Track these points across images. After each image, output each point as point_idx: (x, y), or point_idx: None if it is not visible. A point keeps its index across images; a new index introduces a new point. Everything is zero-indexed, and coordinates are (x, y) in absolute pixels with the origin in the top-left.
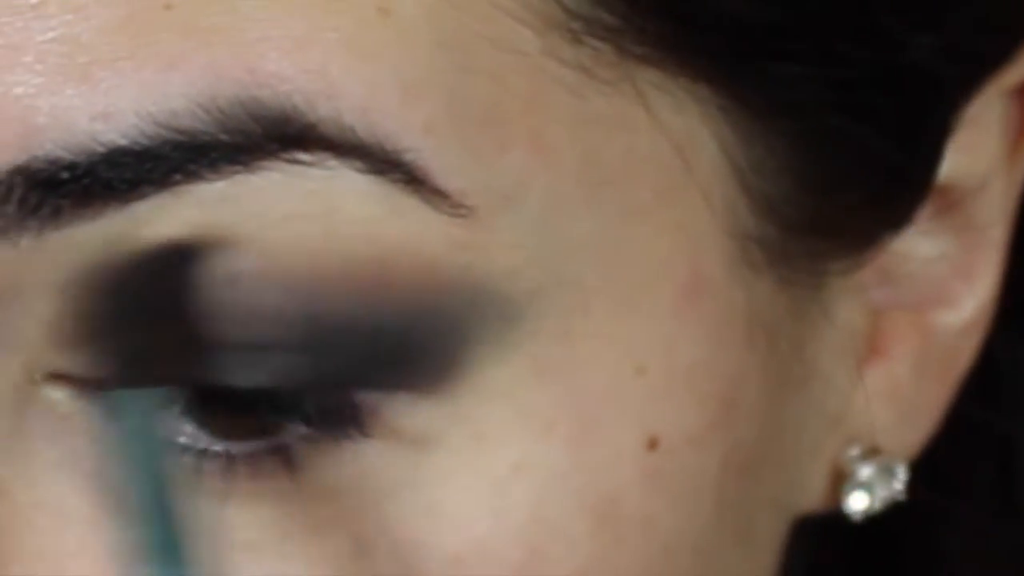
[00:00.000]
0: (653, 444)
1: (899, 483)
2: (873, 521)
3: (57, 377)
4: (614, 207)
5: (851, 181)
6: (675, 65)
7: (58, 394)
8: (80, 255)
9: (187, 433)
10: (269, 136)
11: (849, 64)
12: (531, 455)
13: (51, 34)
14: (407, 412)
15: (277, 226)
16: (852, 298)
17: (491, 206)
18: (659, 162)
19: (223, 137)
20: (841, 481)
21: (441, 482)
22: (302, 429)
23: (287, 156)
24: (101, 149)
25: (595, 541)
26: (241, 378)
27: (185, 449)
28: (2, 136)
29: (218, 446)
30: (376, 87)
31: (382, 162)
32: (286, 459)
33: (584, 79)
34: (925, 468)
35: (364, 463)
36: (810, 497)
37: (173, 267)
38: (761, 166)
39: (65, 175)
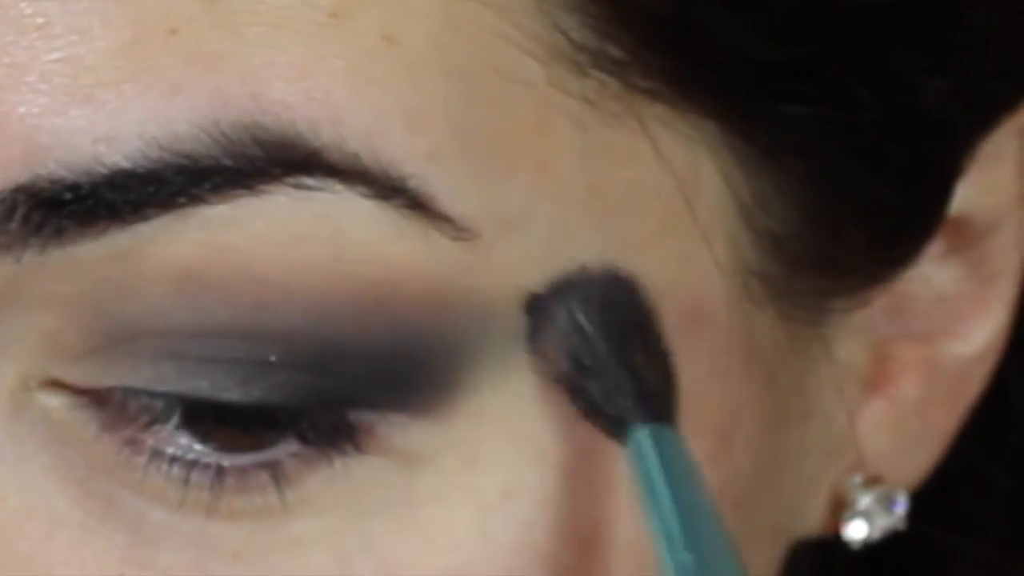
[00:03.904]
0: None
1: (899, 512)
2: (885, 555)
3: (53, 384)
4: (617, 237)
5: (856, 221)
6: (682, 101)
7: (53, 401)
8: (83, 270)
9: (179, 444)
10: (273, 161)
11: (859, 107)
12: (522, 480)
13: (56, 55)
14: (401, 432)
15: (287, 248)
16: (856, 334)
17: (495, 231)
18: (663, 194)
19: (226, 161)
20: (841, 509)
21: (430, 502)
22: (295, 446)
23: (292, 180)
24: (104, 171)
25: (582, 569)
26: (240, 393)
27: (174, 459)
28: (6, 154)
29: (209, 458)
30: (381, 115)
31: (386, 188)
32: (276, 474)
33: (589, 111)
34: (935, 501)
35: (354, 480)
36: (808, 524)
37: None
38: (766, 203)
39: (68, 195)
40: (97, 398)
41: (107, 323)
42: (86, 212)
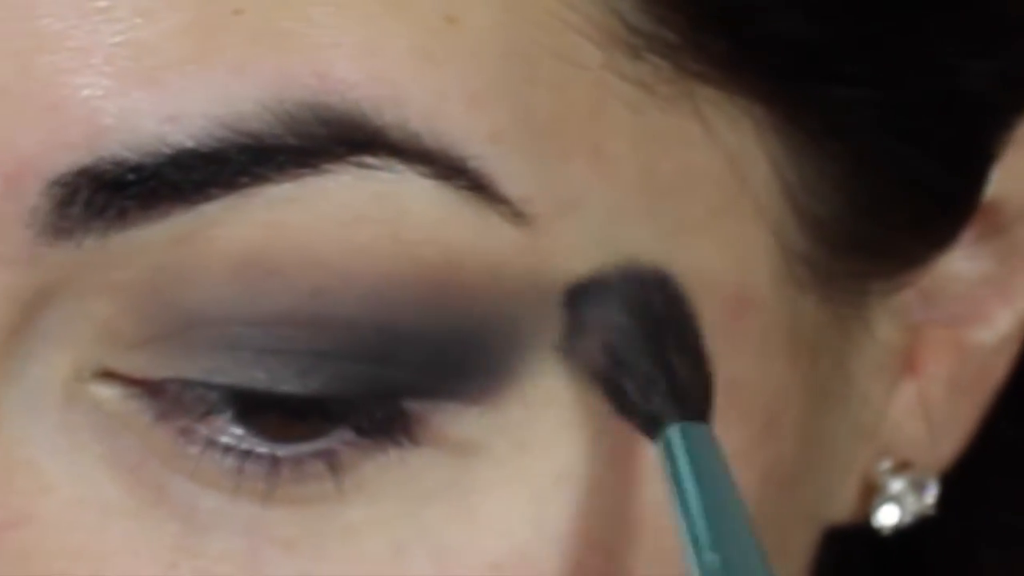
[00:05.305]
0: None
1: (930, 497)
2: (904, 535)
3: (106, 375)
4: (669, 221)
5: (899, 202)
6: (732, 84)
7: (106, 392)
8: (145, 255)
9: (234, 435)
10: (336, 140)
11: (904, 88)
12: (574, 466)
13: (119, 37)
14: (455, 420)
15: (349, 228)
16: (892, 316)
17: (553, 214)
18: (713, 178)
19: (290, 140)
20: (872, 494)
21: (483, 489)
22: (350, 435)
23: (354, 160)
24: (168, 151)
25: (635, 554)
26: (298, 385)
27: (228, 449)
28: (69, 137)
29: (263, 448)
30: (443, 95)
31: (447, 168)
32: (331, 463)
33: (643, 94)
34: (957, 483)
35: (408, 469)
36: (840, 509)
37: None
38: (811, 185)
39: (131, 176)
40: (151, 388)
41: (165, 312)
42: (149, 193)
